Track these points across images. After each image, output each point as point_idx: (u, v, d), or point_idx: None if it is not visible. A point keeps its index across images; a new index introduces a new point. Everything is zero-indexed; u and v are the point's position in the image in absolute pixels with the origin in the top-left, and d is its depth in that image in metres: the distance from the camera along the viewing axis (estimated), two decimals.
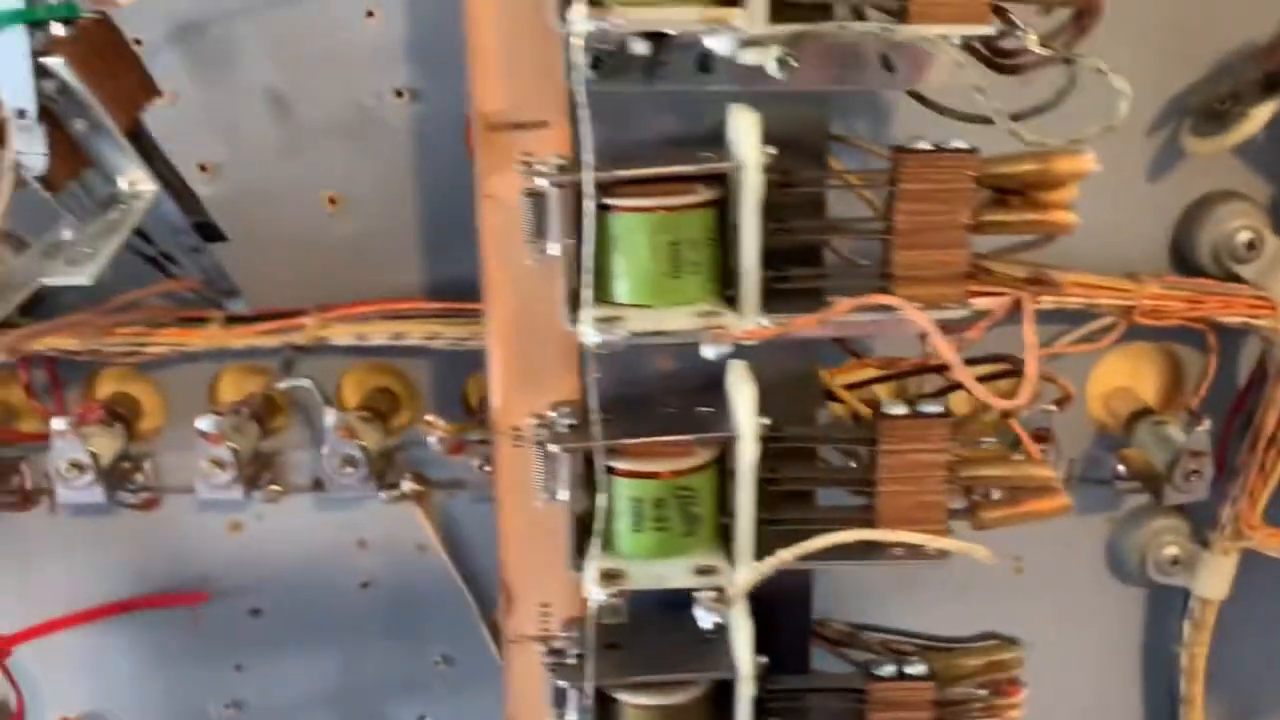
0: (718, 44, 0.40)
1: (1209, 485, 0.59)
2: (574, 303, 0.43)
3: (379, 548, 0.65)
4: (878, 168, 0.46)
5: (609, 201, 0.42)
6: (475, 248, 0.58)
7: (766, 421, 0.44)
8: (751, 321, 0.43)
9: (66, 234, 0.51)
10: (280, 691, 0.68)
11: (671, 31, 0.40)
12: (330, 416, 0.55)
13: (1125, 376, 0.64)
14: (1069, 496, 0.49)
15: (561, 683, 0.49)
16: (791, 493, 0.49)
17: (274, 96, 0.56)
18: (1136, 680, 0.69)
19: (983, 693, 0.51)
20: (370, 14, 0.55)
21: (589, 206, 0.41)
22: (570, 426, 0.46)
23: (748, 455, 0.44)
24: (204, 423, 0.55)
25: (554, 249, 0.43)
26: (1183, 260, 0.61)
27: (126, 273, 0.53)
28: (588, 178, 0.41)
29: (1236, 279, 0.59)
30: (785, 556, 0.45)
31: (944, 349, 0.42)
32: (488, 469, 0.56)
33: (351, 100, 0.57)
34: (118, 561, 0.65)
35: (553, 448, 0.45)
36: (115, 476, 0.59)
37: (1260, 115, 0.55)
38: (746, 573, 0.46)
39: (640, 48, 0.41)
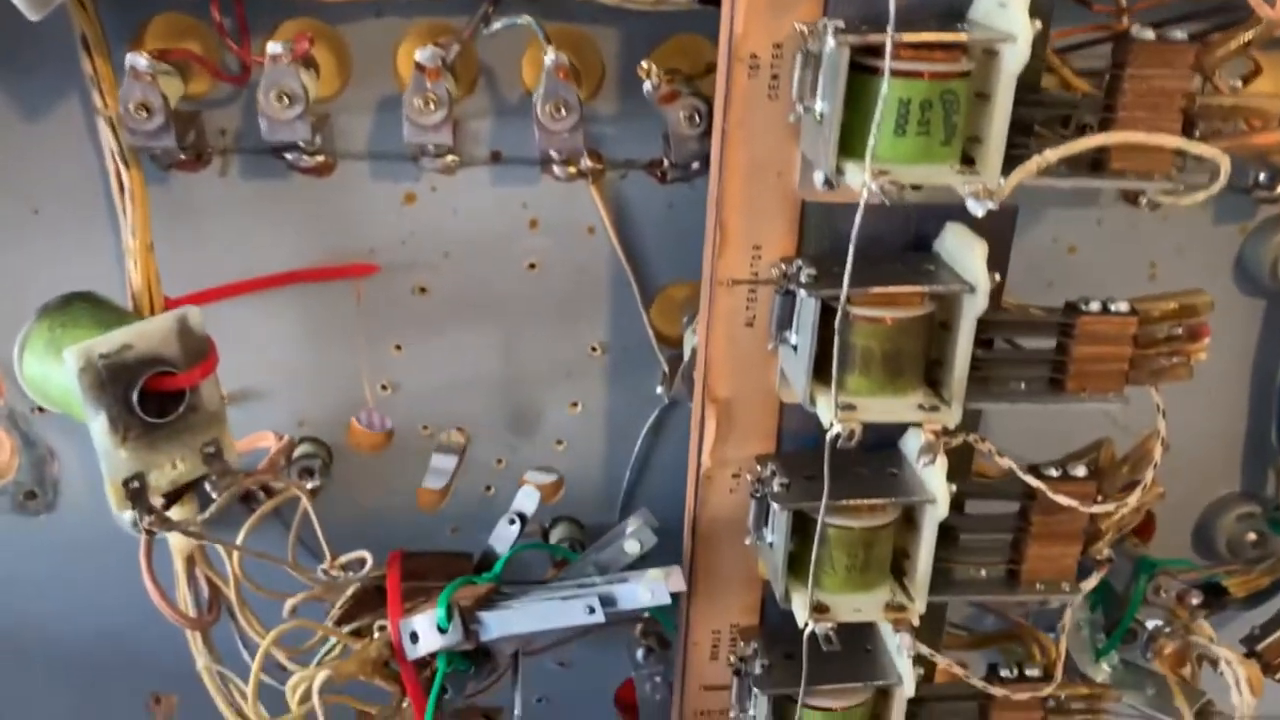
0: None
1: None
2: None
3: (549, 228, 0.65)
4: None
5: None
6: None
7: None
8: None
9: None
10: (436, 373, 0.69)
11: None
12: (550, 55, 0.55)
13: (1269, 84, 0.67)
14: None
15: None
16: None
17: None
18: (1248, 387, 0.73)
19: (1179, 330, 0.55)
20: None
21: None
22: (838, 30, 0.47)
23: (1019, 59, 0.46)
24: (422, 54, 0.54)
25: None
26: None
27: None
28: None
29: None
30: (1041, 160, 0.47)
31: None
32: (696, 121, 0.58)
33: None
34: (286, 230, 0.64)
35: (830, 42, 0.46)
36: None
37: None
38: (1002, 176, 0.48)
39: None
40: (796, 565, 0.56)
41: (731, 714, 0.62)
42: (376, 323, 0.67)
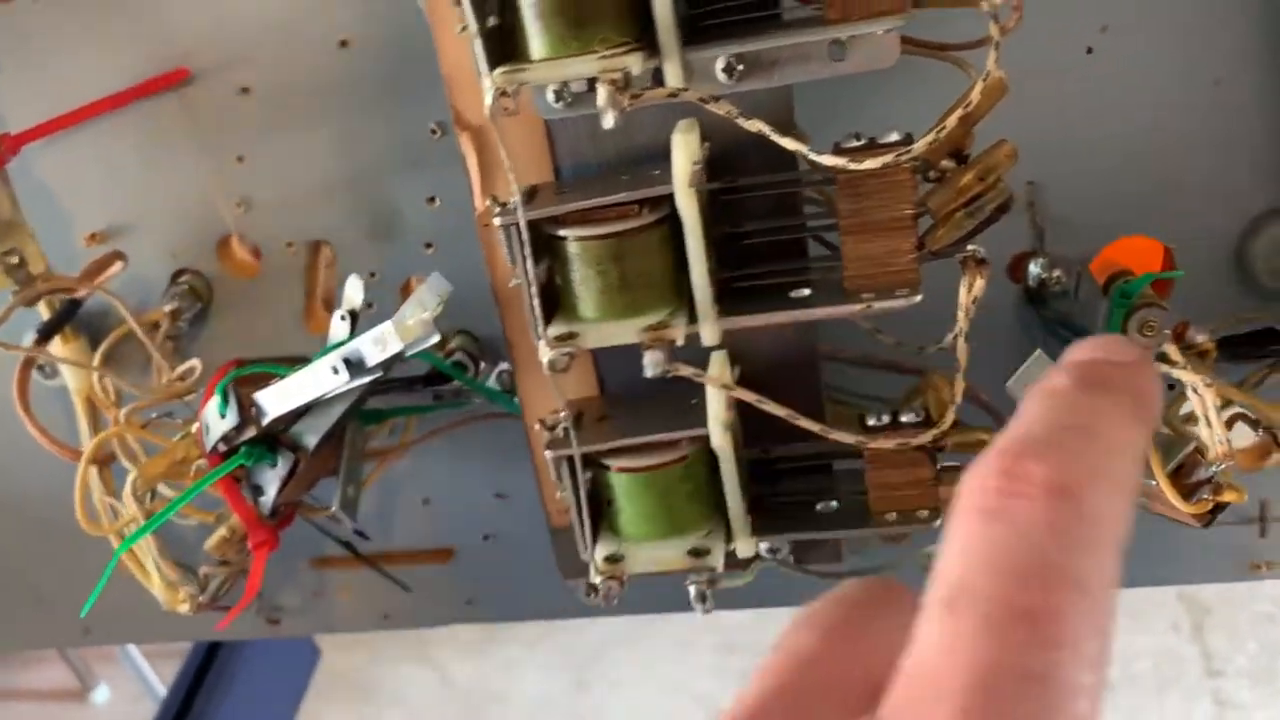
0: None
1: None
2: None
3: None
4: None
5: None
6: None
7: None
8: None
9: None
10: (283, 184, 0.65)
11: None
12: None
13: None
14: None
15: None
16: None
17: None
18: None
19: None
20: None
21: None
22: None
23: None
24: None
25: None
26: None
27: None
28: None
29: None
30: None
31: None
32: None
33: None
34: (109, 51, 0.63)
35: None
36: None
37: None
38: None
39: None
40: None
41: (557, 494, 0.54)
42: (213, 136, 0.65)
